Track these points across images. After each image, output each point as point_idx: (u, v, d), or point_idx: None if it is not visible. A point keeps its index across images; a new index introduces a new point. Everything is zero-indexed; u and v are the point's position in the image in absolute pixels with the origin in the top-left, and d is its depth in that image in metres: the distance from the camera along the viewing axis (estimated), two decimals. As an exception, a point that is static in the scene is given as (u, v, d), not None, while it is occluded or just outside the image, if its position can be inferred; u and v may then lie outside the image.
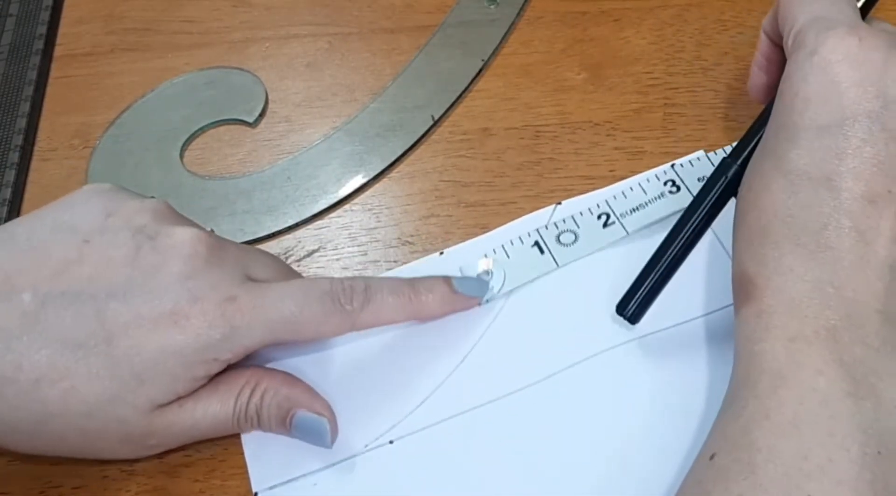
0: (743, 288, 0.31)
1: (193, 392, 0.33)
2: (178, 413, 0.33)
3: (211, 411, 0.34)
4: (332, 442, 0.35)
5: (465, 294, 0.37)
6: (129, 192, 0.36)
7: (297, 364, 0.37)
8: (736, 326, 0.31)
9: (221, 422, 0.34)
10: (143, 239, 0.33)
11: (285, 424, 0.34)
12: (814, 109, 0.31)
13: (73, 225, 0.33)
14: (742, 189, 0.33)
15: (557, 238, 0.39)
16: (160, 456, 0.36)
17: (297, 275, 0.39)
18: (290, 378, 0.36)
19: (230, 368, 0.34)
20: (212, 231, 0.35)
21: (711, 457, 0.28)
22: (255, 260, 0.36)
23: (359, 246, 0.42)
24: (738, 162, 0.34)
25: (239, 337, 0.33)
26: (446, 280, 0.36)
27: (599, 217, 0.39)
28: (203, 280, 0.33)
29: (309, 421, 0.34)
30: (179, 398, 0.33)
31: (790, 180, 0.30)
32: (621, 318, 0.36)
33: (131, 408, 0.32)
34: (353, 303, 0.34)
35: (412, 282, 0.36)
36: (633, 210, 0.39)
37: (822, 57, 0.31)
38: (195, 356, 0.32)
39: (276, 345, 0.34)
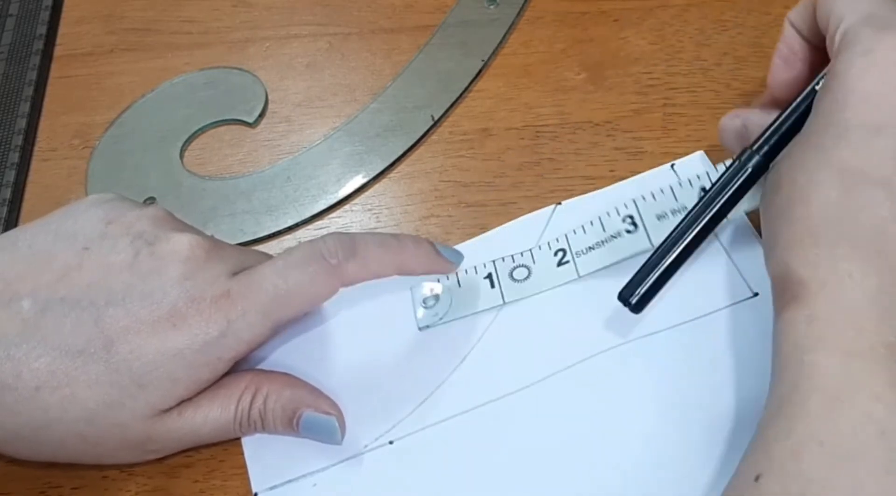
0: (789, 289, 0.29)
1: (193, 398, 0.33)
2: (177, 419, 0.33)
3: (211, 417, 0.34)
4: (342, 438, 0.35)
5: (446, 257, 0.37)
6: (131, 201, 0.36)
7: (299, 365, 0.37)
8: (780, 328, 0.29)
9: (222, 427, 0.34)
10: (141, 244, 0.33)
11: (292, 425, 0.34)
12: (870, 108, 0.30)
13: (74, 232, 0.33)
14: (782, 182, 0.31)
15: (511, 273, 0.39)
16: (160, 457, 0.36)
17: None
18: (292, 379, 0.36)
19: (229, 374, 0.34)
20: (212, 236, 0.35)
21: (757, 479, 0.27)
22: (253, 259, 0.35)
23: (359, 246, 0.42)
24: (761, 153, 0.34)
25: (236, 330, 0.32)
26: (429, 241, 0.36)
27: (556, 253, 0.39)
28: (199, 280, 0.33)
29: (317, 420, 0.34)
30: (180, 403, 0.33)
31: (843, 178, 0.29)
32: (621, 314, 0.35)
33: (131, 413, 0.32)
34: (339, 255, 0.34)
35: (397, 236, 0.36)
36: (590, 248, 0.38)
37: (881, 56, 0.30)
38: (196, 357, 0.32)
39: (278, 330, 0.34)
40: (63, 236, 0.33)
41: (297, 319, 0.35)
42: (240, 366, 0.35)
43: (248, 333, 0.33)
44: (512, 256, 0.39)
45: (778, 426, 0.27)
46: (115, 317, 0.32)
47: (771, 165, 0.34)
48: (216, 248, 0.34)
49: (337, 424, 0.34)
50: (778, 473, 0.26)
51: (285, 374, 0.36)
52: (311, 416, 0.34)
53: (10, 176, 0.44)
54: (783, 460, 0.26)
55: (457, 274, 0.39)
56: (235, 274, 0.34)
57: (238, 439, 0.36)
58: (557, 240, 0.39)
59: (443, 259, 0.36)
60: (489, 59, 0.47)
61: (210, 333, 0.32)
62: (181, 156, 0.45)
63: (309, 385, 0.36)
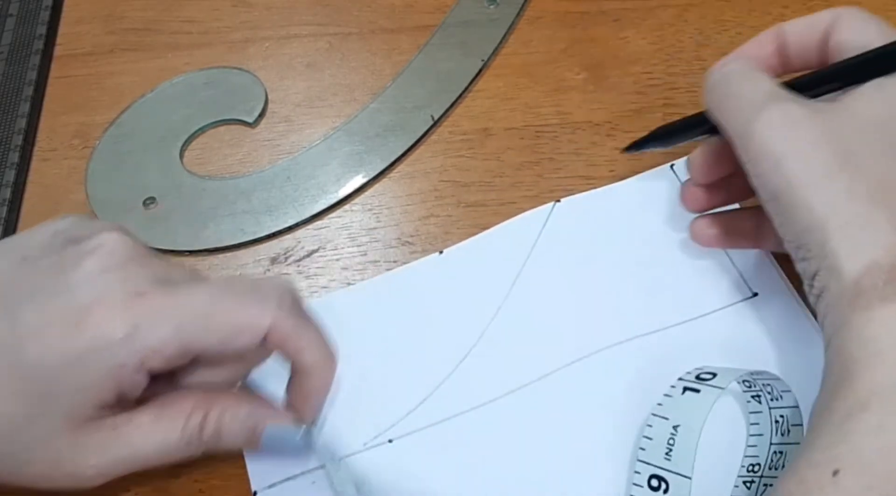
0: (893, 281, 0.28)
1: (132, 415, 0.31)
2: (111, 435, 0.31)
3: (154, 438, 0.31)
4: (312, 449, 0.33)
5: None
6: (96, 221, 0.34)
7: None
8: (883, 318, 0.28)
9: (169, 447, 0.31)
10: (70, 244, 0.31)
11: (253, 441, 0.33)
12: None
13: (19, 246, 0.32)
14: (890, 165, 0.30)
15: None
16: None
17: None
18: (247, 395, 0.34)
19: (175, 393, 0.32)
20: (156, 252, 0.33)
21: (835, 473, 0.25)
22: (182, 273, 0.33)
23: (358, 246, 0.42)
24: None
25: (142, 336, 0.29)
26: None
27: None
28: (114, 275, 0.30)
29: (280, 432, 0.33)
30: (114, 417, 0.31)
31: None
32: (622, 314, 0.35)
33: (46, 427, 0.30)
34: (287, 308, 0.31)
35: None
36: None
37: None
38: (97, 363, 0.29)
39: (188, 356, 0.31)
40: (7, 251, 0.32)
41: (214, 357, 0.32)
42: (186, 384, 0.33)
43: (155, 342, 0.30)
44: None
45: (865, 421, 0.26)
46: (28, 317, 0.30)
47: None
48: (149, 255, 0.32)
49: (303, 434, 0.33)
50: (861, 471, 0.25)
51: (238, 392, 0.34)
52: (274, 429, 0.33)
53: (10, 176, 0.44)
54: (871, 460, 0.25)
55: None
56: (161, 280, 0.31)
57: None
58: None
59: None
60: (489, 59, 0.47)
61: (113, 334, 0.29)
62: (181, 156, 0.45)
63: (264, 399, 0.34)
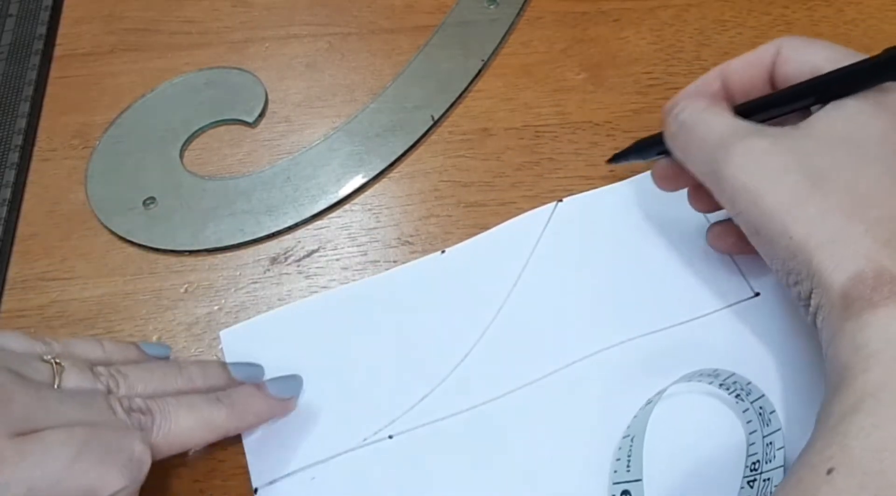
0: (887, 285, 0.28)
1: None
2: None
3: None
4: None
5: (279, 396, 0.35)
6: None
7: (297, 361, 0.37)
8: (870, 321, 0.28)
9: None
10: None
11: None
12: None
13: None
14: (860, 179, 0.31)
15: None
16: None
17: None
18: None
19: None
20: (26, 380, 0.30)
21: (829, 472, 0.26)
22: (63, 414, 0.30)
23: (358, 246, 0.42)
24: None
25: None
26: (258, 386, 0.35)
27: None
28: None
29: None
30: None
31: None
32: (623, 314, 0.36)
33: None
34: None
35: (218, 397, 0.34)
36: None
37: None
38: None
39: None
40: None
41: None
42: None
43: None
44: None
45: (857, 423, 0.26)
46: None
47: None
48: (14, 385, 0.30)
49: None
50: (853, 471, 0.25)
51: None
52: None
53: (10, 176, 0.44)
54: (863, 460, 0.26)
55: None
56: (20, 433, 0.29)
57: (238, 439, 0.36)
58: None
59: (276, 402, 0.35)
60: (489, 59, 0.47)
61: None
62: (181, 156, 0.45)
63: None
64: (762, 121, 0.33)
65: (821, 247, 0.29)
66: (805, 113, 0.33)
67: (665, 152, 0.36)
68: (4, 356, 0.31)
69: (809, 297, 0.30)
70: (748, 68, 0.35)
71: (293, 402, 0.36)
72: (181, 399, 0.33)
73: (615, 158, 0.40)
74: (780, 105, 0.34)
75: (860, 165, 0.30)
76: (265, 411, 0.35)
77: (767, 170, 0.31)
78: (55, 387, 0.31)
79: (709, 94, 0.36)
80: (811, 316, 0.31)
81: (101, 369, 0.33)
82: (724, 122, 0.33)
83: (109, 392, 0.32)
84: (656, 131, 0.37)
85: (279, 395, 0.35)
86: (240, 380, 0.36)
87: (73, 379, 0.32)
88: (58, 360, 0.32)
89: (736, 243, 0.37)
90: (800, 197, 0.30)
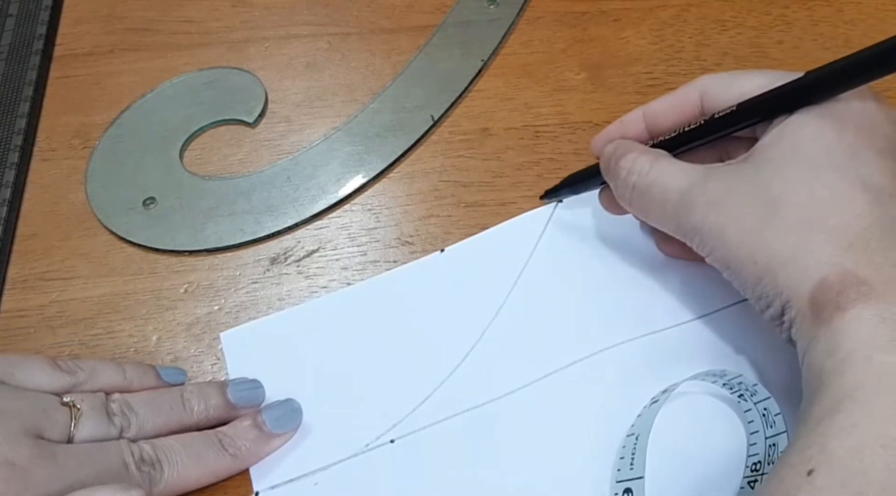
0: (850, 289, 0.29)
1: None
2: None
3: None
4: None
5: (281, 432, 0.36)
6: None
7: (298, 364, 0.37)
8: (839, 327, 0.29)
9: None
10: None
11: None
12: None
13: None
14: (815, 190, 0.31)
15: None
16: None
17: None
18: None
19: None
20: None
21: (810, 473, 0.26)
22: (26, 446, 0.31)
23: (358, 246, 0.42)
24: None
25: None
26: (260, 425, 0.35)
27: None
28: None
29: None
30: None
31: (873, 194, 0.30)
32: (622, 314, 0.36)
33: None
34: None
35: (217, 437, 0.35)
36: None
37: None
38: None
39: None
40: None
41: None
42: None
43: None
44: None
45: (837, 423, 0.27)
46: None
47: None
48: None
49: None
50: (835, 470, 0.26)
51: None
52: None
53: (10, 176, 0.44)
54: (843, 459, 0.26)
55: None
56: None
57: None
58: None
59: (275, 437, 0.36)
60: (489, 59, 0.47)
61: None
62: (181, 156, 0.45)
63: None
64: (691, 150, 0.35)
65: (784, 264, 0.30)
66: (751, 142, 0.34)
67: (605, 183, 0.37)
68: (23, 410, 0.32)
69: (782, 316, 0.31)
70: (672, 111, 0.36)
71: (294, 432, 0.36)
72: (189, 447, 0.34)
73: (547, 195, 0.41)
74: (704, 137, 0.35)
75: (815, 178, 0.31)
76: (267, 452, 0.36)
77: (728, 209, 0.32)
78: (71, 432, 0.32)
79: (634, 136, 0.37)
80: (786, 332, 0.31)
81: (114, 408, 0.34)
82: (676, 178, 0.34)
83: (122, 433, 0.33)
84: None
85: (281, 431, 0.36)
86: (240, 406, 0.36)
87: (88, 427, 0.33)
88: (76, 403, 0.33)
89: (683, 247, 0.37)
90: (759, 224, 0.31)
